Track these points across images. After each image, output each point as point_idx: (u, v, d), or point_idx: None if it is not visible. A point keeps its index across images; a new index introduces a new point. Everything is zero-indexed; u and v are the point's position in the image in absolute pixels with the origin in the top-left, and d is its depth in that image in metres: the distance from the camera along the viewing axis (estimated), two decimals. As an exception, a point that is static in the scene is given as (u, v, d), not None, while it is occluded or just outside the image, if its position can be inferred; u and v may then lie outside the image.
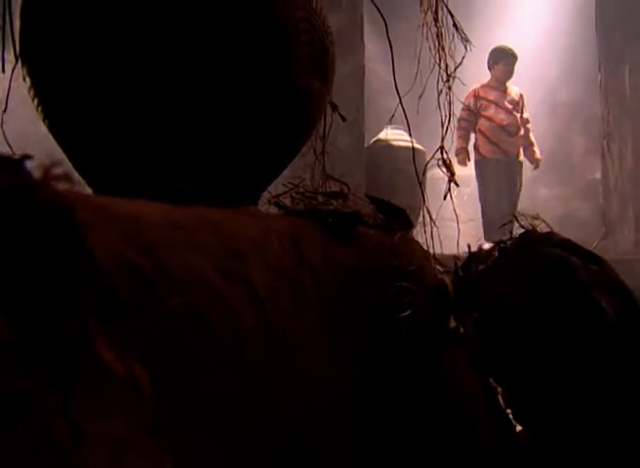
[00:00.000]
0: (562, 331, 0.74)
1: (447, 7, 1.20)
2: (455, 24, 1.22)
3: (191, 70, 0.63)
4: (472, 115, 4.98)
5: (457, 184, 1.26)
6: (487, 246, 0.86)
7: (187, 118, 0.64)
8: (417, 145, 4.47)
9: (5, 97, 0.74)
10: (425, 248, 0.88)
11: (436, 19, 1.21)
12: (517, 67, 5.09)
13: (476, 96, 5.01)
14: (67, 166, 0.63)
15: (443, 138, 1.23)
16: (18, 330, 0.28)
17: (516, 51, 5.06)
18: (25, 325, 0.28)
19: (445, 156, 1.25)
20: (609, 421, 0.72)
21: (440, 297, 0.72)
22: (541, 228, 0.87)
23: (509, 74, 5.04)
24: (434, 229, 1.29)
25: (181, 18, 0.61)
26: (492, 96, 5.00)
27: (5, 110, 0.76)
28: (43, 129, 0.72)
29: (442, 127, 1.28)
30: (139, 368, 0.31)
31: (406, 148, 4.43)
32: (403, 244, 0.72)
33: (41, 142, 0.75)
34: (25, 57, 0.70)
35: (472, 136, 5.08)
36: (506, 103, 4.98)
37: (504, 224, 0.94)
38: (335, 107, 0.84)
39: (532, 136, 5.16)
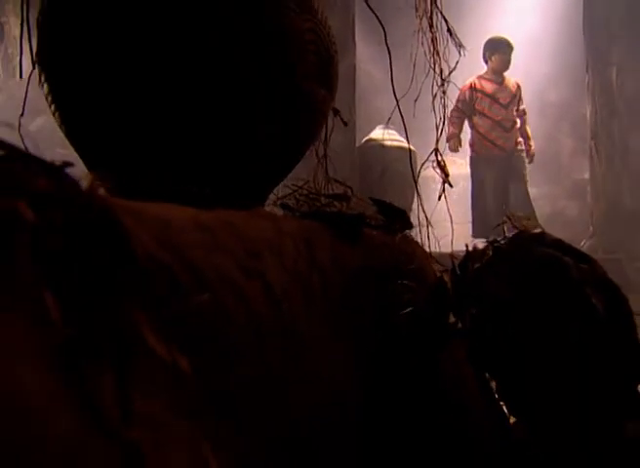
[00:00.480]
0: (555, 326, 0.78)
1: (441, 13, 1.24)
2: (449, 30, 1.26)
3: (200, 79, 0.66)
4: (466, 106, 4.92)
5: (450, 185, 1.29)
6: (481, 245, 0.90)
7: (193, 119, 0.67)
8: (407, 145, 4.52)
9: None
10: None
11: (431, 25, 1.24)
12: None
13: (472, 87, 4.95)
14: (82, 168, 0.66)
15: (437, 141, 1.27)
16: (78, 322, 0.31)
17: (507, 39, 5.03)
18: (84, 318, 0.32)
19: (439, 158, 1.28)
20: (601, 413, 0.76)
21: (439, 295, 0.76)
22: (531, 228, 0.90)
23: (506, 64, 4.97)
24: (424, 228, 1.32)
25: (191, 34, 0.64)
26: (488, 88, 4.94)
27: (22, 114, 0.78)
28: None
29: (436, 130, 1.32)
30: (180, 355, 0.34)
31: (397, 148, 4.48)
32: (404, 244, 0.76)
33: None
34: (44, 65, 0.72)
35: (469, 132, 5.05)
36: (503, 97, 4.92)
37: (498, 225, 0.98)
38: (336, 112, 0.87)
39: (528, 128, 5.12)
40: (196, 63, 0.65)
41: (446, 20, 1.24)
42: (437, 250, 1.17)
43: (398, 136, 4.50)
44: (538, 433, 0.81)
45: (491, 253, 0.86)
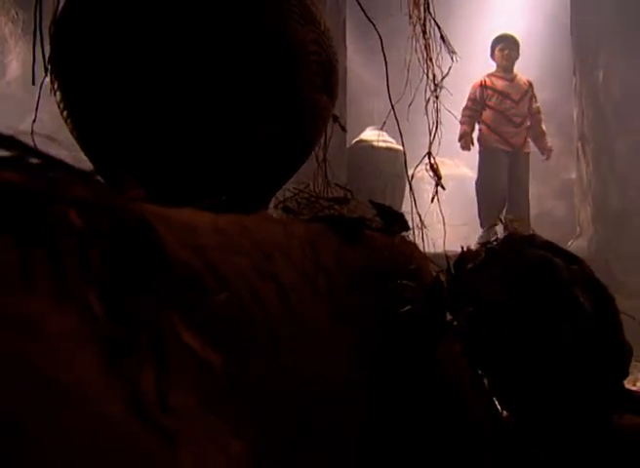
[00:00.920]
0: (546, 325, 0.81)
1: (434, 20, 1.27)
2: (442, 37, 1.30)
3: (212, 91, 0.69)
4: (477, 105, 4.84)
5: (443, 188, 1.33)
6: (474, 246, 0.93)
7: (203, 127, 0.70)
8: (398, 146, 4.56)
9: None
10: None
11: (424, 32, 1.28)
12: (489, 68, 5.04)
13: (482, 85, 4.86)
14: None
15: (430, 144, 1.30)
16: (120, 320, 0.34)
17: (515, 36, 4.91)
18: (125, 317, 0.35)
19: (432, 161, 1.32)
20: (590, 406, 0.80)
21: (436, 294, 0.79)
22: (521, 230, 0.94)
23: (511, 59, 4.86)
24: (416, 229, 1.36)
25: (198, 45, 0.67)
26: (499, 85, 4.84)
27: (34, 120, 0.81)
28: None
29: (429, 134, 1.35)
30: (211, 350, 0.37)
31: (387, 149, 4.52)
32: (402, 245, 0.79)
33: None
34: (57, 74, 0.75)
35: (477, 126, 4.95)
36: (514, 93, 4.81)
37: (490, 227, 1.02)
38: (336, 119, 0.91)
39: (543, 126, 5.00)
40: (209, 77, 0.68)
41: (439, 27, 1.28)
42: (432, 250, 1.21)
43: (388, 138, 4.54)
44: (529, 426, 0.85)
45: (484, 254, 0.90)
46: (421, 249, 1.35)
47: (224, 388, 0.43)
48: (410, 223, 1.48)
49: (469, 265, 0.88)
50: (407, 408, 0.70)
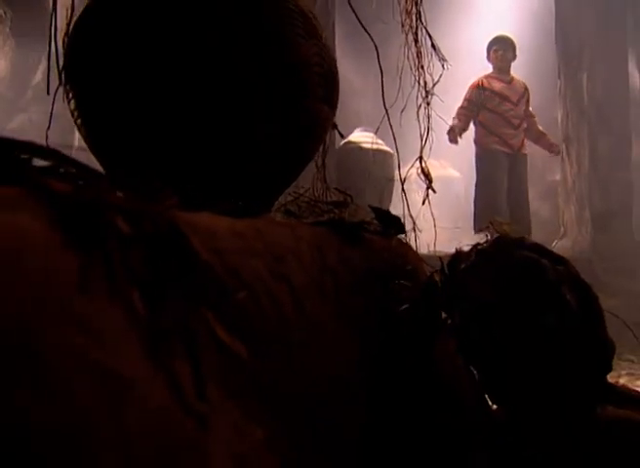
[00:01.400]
0: (534, 322, 0.85)
1: (426, 29, 1.32)
2: (433, 45, 1.34)
3: (222, 107, 0.73)
4: (473, 105, 4.80)
5: (434, 191, 1.38)
6: (466, 248, 0.97)
7: (208, 132, 0.74)
8: (386, 148, 4.62)
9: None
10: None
11: (416, 40, 1.32)
12: (478, 74, 5.00)
13: (480, 86, 4.81)
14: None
15: (422, 149, 1.35)
16: (160, 317, 0.38)
17: (513, 38, 4.90)
18: (165, 313, 0.39)
19: (423, 165, 1.36)
20: (575, 399, 0.84)
21: (431, 293, 0.83)
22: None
23: (506, 60, 4.84)
24: (411, 232, 1.40)
25: (207, 55, 0.71)
26: (496, 87, 4.81)
27: (49, 127, 0.84)
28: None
29: (421, 139, 1.40)
30: (239, 343, 0.41)
31: (375, 151, 4.56)
32: (399, 247, 0.84)
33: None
34: (72, 84, 0.79)
35: (472, 127, 4.92)
36: (512, 95, 4.80)
37: (481, 230, 1.06)
38: (335, 126, 0.95)
39: (540, 127, 4.99)
40: (219, 92, 0.72)
41: (430, 36, 1.32)
42: (426, 252, 1.25)
43: (376, 139, 4.59)
44: (518, 419, 0.89)
45: (474, 255, 0.94)
46: (417, 250, 1.39)
47: (248, 382, 0.48)
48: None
49: (462, 266, 0.92)
50: (405, 404, 0.74)
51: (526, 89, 4.91)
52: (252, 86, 0.72)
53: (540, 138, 4.99)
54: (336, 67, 0.84)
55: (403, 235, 0.91)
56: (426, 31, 1.33)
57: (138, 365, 0.35)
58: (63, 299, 0.32)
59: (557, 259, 0.91)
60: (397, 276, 0.78)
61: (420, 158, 1.36)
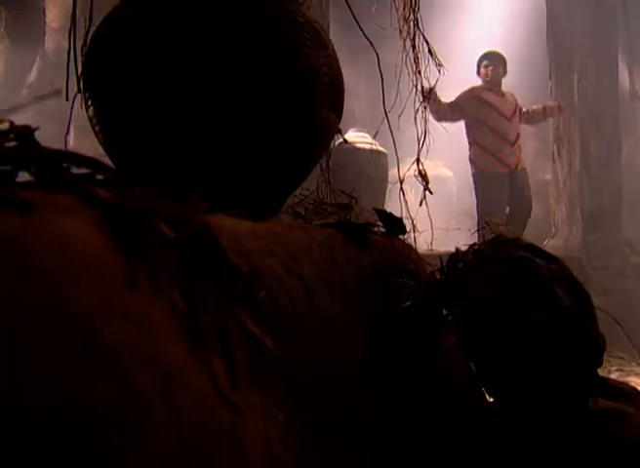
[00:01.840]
0: (528, 318, 0.89)
1: (423, 35, 1.36)
2: (430, 51, 1.39)
3: (230, 111, 0.77)
4: (455, 108, 4.64)
5: (431, 192, 1.42)
6: (464, 248, 1.02)
7: (221, 137, 0.78)
8: (380, 148, 4.66)
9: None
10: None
11: (414, 46, 1.37)
12: (470, 74, 4.88)
13: (474, 96, 4.67)
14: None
15: (419, 151, 1.39)
16: (197, 312, 0.43)
17: (502, 53, 4.76)
18: (201, 309, 0.43)
19: (421, 167, 1.41)
20: (567, 391, 0.88)
21: (432, 291, 0.88)
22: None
23: (497, 75, 4.70)
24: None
25: (223, 69, 0.76)
26: (492, 99, 4.67)
27: (67, 133, 0.88)
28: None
29: (418, 142, 1.44)
30: (266, 335, 0.46)
31: (369, 150, 4.61)
32: (401, 247, 0.88)
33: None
34: (91, 92, 0.83)
35: (470, 149, 4.79)
36: (506, 109, 4.69)
37: (478, 230, 1.11)
38: (339, 131, 0.99)
39: (529, 108, 4.90)
40: (230, 98, 0.76)
41: (427, 42, 1.37)
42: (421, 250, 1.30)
43: (371, 139, 4.64)
44: (513, 409, 0.94)
45: (471, 255, 0.98)
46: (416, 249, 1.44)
47: (270, 372, 0.52)
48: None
49: (460, 265, 0.96)
50: (408, 392, 0.78)
51: (517, 103, 4.81)
52: (265, 94, 0.76)
53: (536, 113, 4.91)
54: (341, 76, 0.88)
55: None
56: (424, 38, 1.37)
57: (181, 356, 0.39)
58: (117, 296, 0.36)
59: (551, 258, 0.95)
60: (400, 274, 0.83)
61: (418, 160, 1.40)
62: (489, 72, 4.68)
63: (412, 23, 1.36)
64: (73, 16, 0.89)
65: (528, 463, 0.95)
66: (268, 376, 0.53)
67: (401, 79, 1.55)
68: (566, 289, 0.91)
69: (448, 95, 4.63)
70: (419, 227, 1.56)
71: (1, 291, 0.30)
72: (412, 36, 1.37)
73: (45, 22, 5.45)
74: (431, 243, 1.40)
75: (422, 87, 1.58)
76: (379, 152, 4.68)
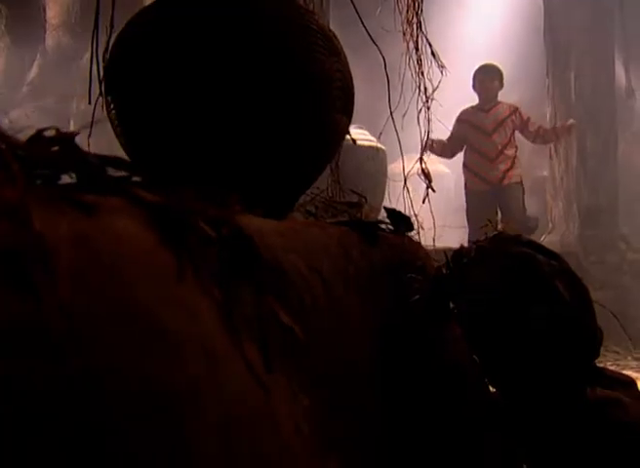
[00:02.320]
0: (529, 312, 0.93)
1: (426, 38, 1.41)
2: (433, 53, 1.43)
3: (249, 111, 0.82)
4: (453, 140, 4.64)
5: (434, 190, 1.47)
6: (466, 245, 1.06)
7: (241, 141, 0.83)
8: (379, 144, 4.70)
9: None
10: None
11: (417, 48, 1.41)
12: (468, 72, 4.78)
13: (460, 120, 4.71)
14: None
15: (422, 151, 1.44)
16: (234, 303, 0.47)
17: (498, 65, 4.67)
18: (238, 300, 0.47)
19: (424, 165, 1.45)
20: (567, 381, 0.93)
21: (439, 285, 0.92)
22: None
23: (493, 89, 4.61)
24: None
25: (243, 77, 0.80)
26: (473, 117, 4.65)
27: (90, 135, 0.92)
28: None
29: (421, 142, 1.49)
30: (296, 324, 0.50)
31: (368, 147, 4.65)
32: (410, 244, 0.93)
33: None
34: (113, 95, 0.87)
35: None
36: (487, 123, 4.58)
37: (481, 227, 1.15)
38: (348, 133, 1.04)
39: (544, 125, 4.81)
40: (249, 105, 0.80)
41: (430, 45, 1.41)
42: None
43: (370, 136, 4.68)
44: (514, 401, 0.98)
45: (474, 251, 1.02)
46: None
47: (295, 359, 0.56)
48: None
49: (464, 261, 1.01)
50: (416, 383, 0.83)
51: (512, 112, 4.63)
52: (281, 99, 0.80)
53: (548, 133, 4.81)
54: (352, 81, 0.92)
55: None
56: (427, 40, 1.41)
57: (223, 343, 0.44)
58: (172, 289, 0.41)
59: (551, 254, 1.00)
60: (409, 270, 0.87)
61: (421, 159, 1.45)
62: (484, 86, 4.59)
63: (415, 26, 1.40)
64: (96, 20, 0.93)
65: (529, 452, 1.00)
66: (294, 363, 0.57)
67: (402, 77, 1.59)
68: (566, 283, 0.95)
69: (448, 94, 4.64)
70: (418, 224, 1.60)
71: (81, 284, 0.34)
72: (415, 38, 1.41)
73: (45, 20, 5.47)
74: (433, 240, 1.44)
75: (423, 99, 1.62)
76: (377, 149, 4.72)
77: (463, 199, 4.90)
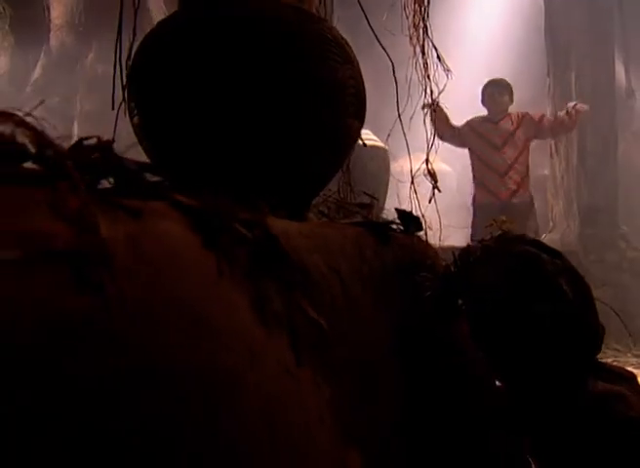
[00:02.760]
0: (533, 308, 0.97)
1: (432, 42, 1.44)
2: (438, 56, 1.47)
3: (267, 116, 0.86)
4: (456, 139, 4.50)
5: (439, 190, 1.50)
6: (473, 243, 1.10)
7: (261, 145, 0.86)
8: (381, 144, 4.73)
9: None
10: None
11: (423, 52, 1.45)
12: (468, 70, 4.94)
13: (470, 127, 4.51)
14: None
15: (428, 152, 1.47)
16: (266, 300, 0.51)
17: (507, 81, 4.54)
18: (269, 297, 0.51)
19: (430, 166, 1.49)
20: (569, 375, 0.97)
21: (447, 283, 0.96)
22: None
23: (502, 103, 4.47)
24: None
25: (263, 85, 0.84)
26: (482, 128, 4.48)
27: (113, 140, 0.95)
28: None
29: (427, 144, 1.52)
30: (322, 319, 0.54)
31: (371, 147, 4.68)
32: (419, 243, 0.97)
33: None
34: (136, 103, 0.90)
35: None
36: (496, 136, 4.43)
37: (487, 226, 1.19)
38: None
39: (559, 114, 4.65)
40: (269, 111, 0.84)
41: (436, 49, 1.45)
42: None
43: (372, 136, 4.70)
44: (518, 394, 1.02)
45: (480, 250, 1.06)
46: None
47: (318, 352, 0.60)
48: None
49: (470, 259, 1.04)
50: (427, 378, 0.87)
51: (521, 119, 4.47)
52: (299, 105, 0.84)
53: (563, 122, 4.64)
54: (364, 87, 0.96)
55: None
56: (433, 45, 1.45)
57: (258, 336, 0.48)
58: (213, 285, 0.44)
59: (554, 253, 1.03)
60: (419, 269, 0.91)
61: (427, 160, 1.49)
62: (493, 100, 4.44)
63: (421, 31, 1.44)
64: (119, 26, 0.97)
65: (534, 444, 1.03)
66: (318, 357, 0.61)
67: (409, 80, 1.61)
68: (569, 282, 0.98)
69: (448, 95, 4.65)
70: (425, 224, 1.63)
71: (134, 280, 0.38)
72: (421, 43, 1.45)
73: (49, 20, 5.50)
74: (439, 238, 1.48)
75: (429, 99, 1.64)
76: (378, 148, 4.75)
77: (466, 197, 4.91)
